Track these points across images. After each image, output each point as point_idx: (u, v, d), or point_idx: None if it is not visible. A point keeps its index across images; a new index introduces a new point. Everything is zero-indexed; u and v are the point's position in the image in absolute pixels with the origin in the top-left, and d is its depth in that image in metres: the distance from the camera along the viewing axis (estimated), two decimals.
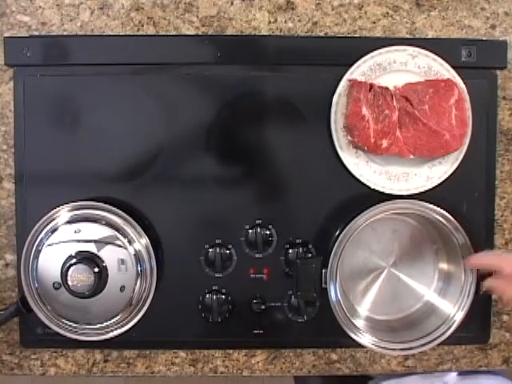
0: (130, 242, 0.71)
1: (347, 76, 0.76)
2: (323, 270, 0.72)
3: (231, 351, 0.81)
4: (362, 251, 0.79)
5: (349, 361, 0.82)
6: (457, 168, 0.78)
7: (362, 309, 0.80)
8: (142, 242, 0.72)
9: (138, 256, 0.72)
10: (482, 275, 0.74)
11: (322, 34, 0.79)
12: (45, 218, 0.71)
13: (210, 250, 0.78)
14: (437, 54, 0.76)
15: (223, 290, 0.78)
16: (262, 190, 0.79)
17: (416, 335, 0.76)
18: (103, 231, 0.71)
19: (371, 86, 0.75)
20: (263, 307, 0.78)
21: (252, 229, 0.78)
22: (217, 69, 0.78)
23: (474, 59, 0.78)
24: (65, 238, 0.70)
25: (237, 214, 0.78)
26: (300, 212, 0.79)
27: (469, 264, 0.74)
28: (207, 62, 0.78)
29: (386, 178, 0.77)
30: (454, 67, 0.76)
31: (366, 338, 0.74)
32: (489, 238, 0.80)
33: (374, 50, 0.76)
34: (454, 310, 0.75)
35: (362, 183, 0.77)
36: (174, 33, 0.78)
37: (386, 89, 0.75)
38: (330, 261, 0.72)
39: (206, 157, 0.78)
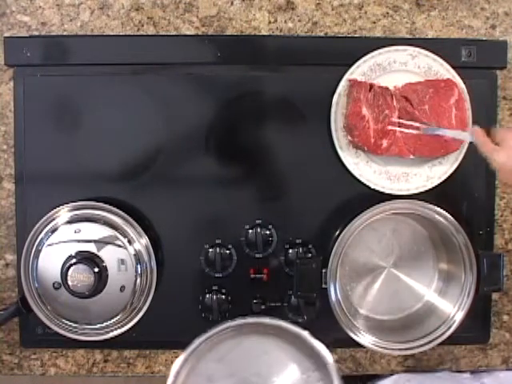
0: (129, 242, 0.71)
1: (347, 76, 0.76)
2: (323, 270, 0.72)
3: None
4: (361, 251, 0.79)
5: (349, 361, 0.81)
6: (457, 168, 0.78)
7: (362, 309, 0.79)
8: (142, 242, 0.72)
9: (138, 256, 0.72)
10: None
11: (322, 33, 0.79)
12: (45, 218, 0.71)
13: (210, 249, 0.78)
14: (437, 54, 0.76)
15: (223, 290, 0.78)
16: (262, 190, 0.79)
17: (416, 335, 0.76)
18: (103, 231, 0.71)
19: (371, 85, 0.75)
20: (263, 307, 0.78)
21: (252, 229, 0.78)
22: (217, 69, 0.78)
23: (474, 59, 0.78)
24: (65, 238, 0.70)
25: (237, 214, 0.78)
26: (300, 212, 0.79)
27: (476, 137, 0.70)
28: (207, 62, 0.78)
29: (386, 178, 0.77)
30: (454, 67, 0.76)
31: (365, 338, 0.74)
32: (489, 238, 0.80)
33: (374, 50, 0.76)
34: (454, 309, 0.75)
35: (362, 183, 0.77)
36: (174, 33, 0.78)
37: (386, 89, 0.75)
38: (330, 261, 0.72)
39: (205, 157, 0.78)
